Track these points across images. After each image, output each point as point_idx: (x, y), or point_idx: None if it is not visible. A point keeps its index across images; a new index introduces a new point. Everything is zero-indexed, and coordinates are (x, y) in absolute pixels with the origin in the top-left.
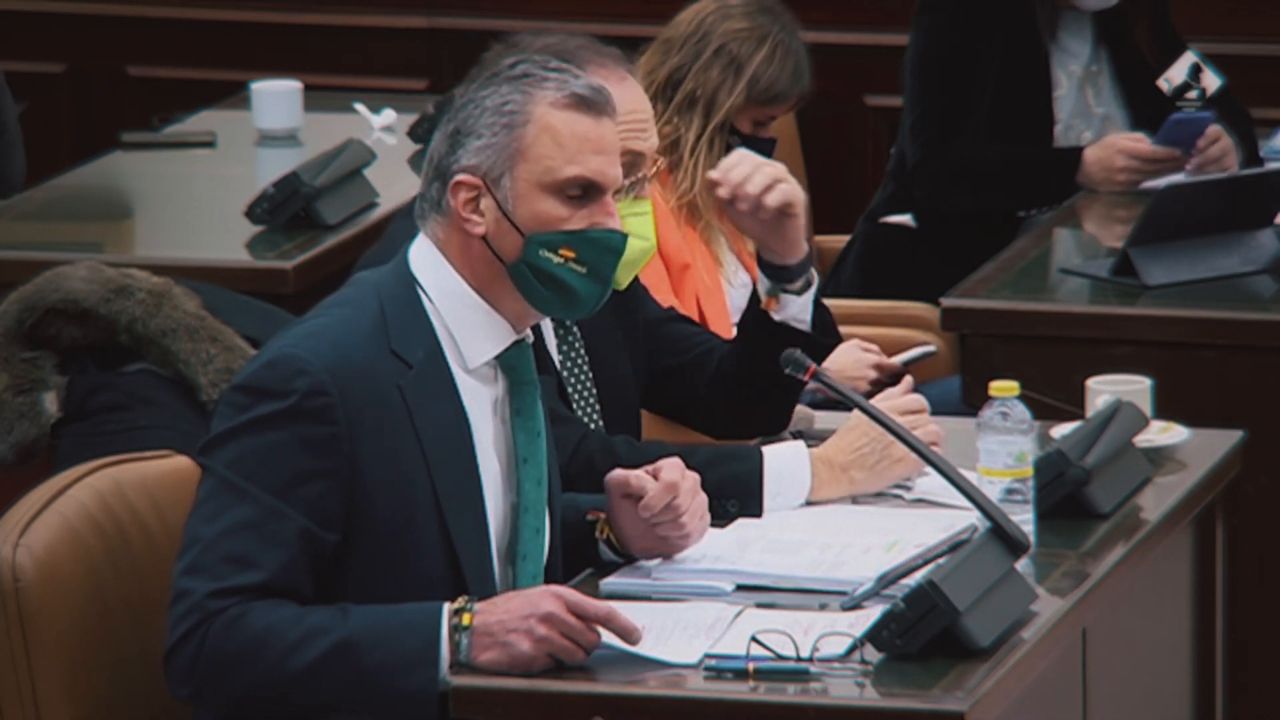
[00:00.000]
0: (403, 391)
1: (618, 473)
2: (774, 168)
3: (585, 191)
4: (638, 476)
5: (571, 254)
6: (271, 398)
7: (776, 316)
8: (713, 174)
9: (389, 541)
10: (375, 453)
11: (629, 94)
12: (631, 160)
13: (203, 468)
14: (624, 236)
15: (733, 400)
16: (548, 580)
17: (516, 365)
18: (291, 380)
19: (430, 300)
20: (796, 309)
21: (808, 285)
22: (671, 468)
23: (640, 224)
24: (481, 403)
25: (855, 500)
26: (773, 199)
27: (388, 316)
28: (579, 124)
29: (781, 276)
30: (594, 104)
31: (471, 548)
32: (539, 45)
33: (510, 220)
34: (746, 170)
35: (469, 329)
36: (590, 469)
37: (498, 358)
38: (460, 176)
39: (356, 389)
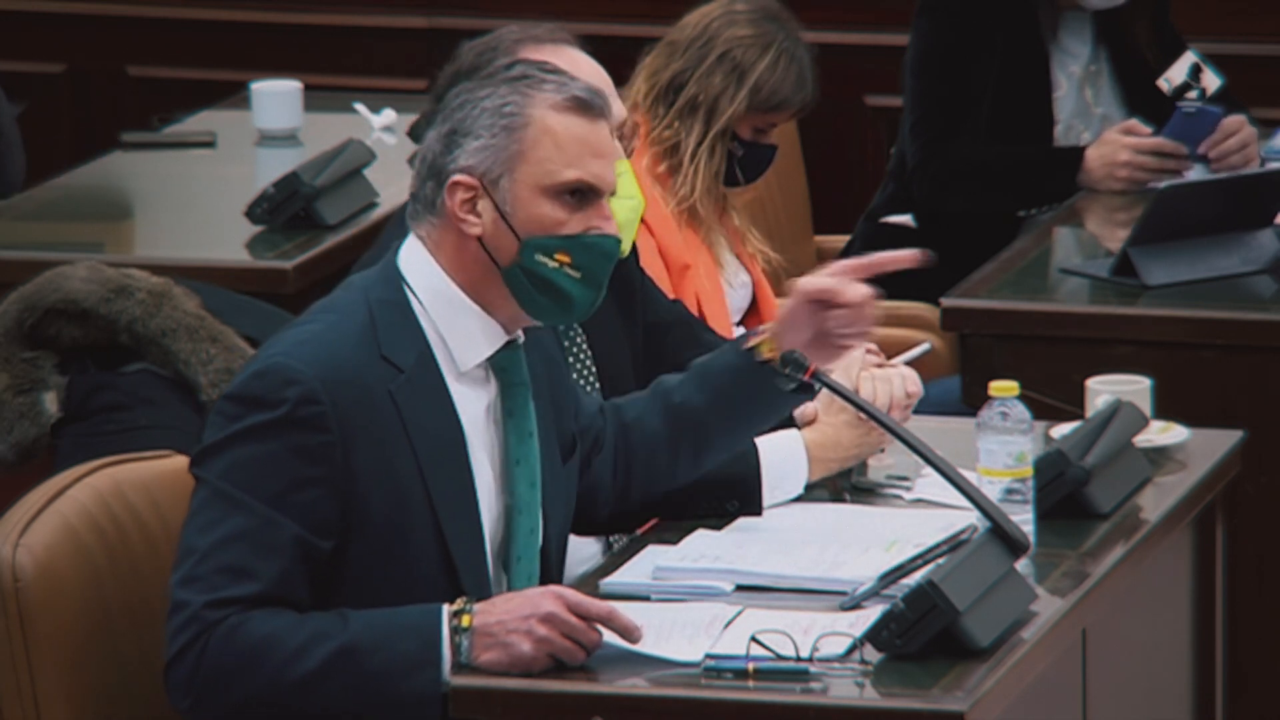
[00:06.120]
0: (394, 397)
1: (808, 279)
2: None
3: (582, 195)
4: (834, 279)
5: (567, 258)
6: (263, 407)
7: None
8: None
9: (384, 546)
10: (368, 458)
11: (583, 66)
12: None
13: (196, 478)
14: (618, 241)
15: None
16: (544, 581)
17: (508, 367)
18: (282, 390)
19: (420, 302)
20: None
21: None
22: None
23: (623, 184)
24: (473, 406)
25: (853, 500)
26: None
27: (377, 321)
28: (577, 127)
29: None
30: (591, 106)
31: (466, 551)
32: (473, 53)
33: (507, 223)
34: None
35: (460, 332)
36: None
37: (490, 359)
38: (457, 177)
39: (347, 396)
